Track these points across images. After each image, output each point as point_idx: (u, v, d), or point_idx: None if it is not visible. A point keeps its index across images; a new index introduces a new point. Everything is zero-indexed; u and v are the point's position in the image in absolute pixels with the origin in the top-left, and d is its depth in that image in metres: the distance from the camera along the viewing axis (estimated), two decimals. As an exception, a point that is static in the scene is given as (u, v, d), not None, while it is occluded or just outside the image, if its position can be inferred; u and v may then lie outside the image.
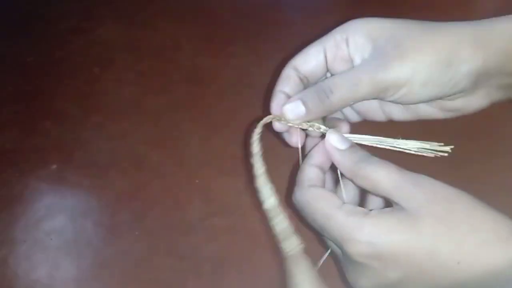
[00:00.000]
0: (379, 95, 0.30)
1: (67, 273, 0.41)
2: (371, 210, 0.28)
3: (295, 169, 0.34)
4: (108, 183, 0.47)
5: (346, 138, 0.31)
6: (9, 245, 0.43)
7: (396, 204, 0.27)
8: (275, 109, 0.34)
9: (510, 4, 0.55)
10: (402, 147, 0.31)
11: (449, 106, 0.33)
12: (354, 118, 0.37)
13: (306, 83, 0.34)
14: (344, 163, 0.30)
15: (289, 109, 0.32)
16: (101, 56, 0.59)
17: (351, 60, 0.32)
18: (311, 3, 0.64)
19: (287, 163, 0.43)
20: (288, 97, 0.33)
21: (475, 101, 0.33)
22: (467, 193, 0.27)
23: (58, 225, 0.44)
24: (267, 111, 0.35)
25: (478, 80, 0.30)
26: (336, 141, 0.31)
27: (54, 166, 0.49)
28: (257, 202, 0.44)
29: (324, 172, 0.32)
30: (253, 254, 0.41)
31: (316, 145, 0.33)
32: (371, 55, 0.31)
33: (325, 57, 0.33)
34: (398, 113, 0.35)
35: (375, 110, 0.35)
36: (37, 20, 0.65)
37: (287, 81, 0.33)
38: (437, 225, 0.25)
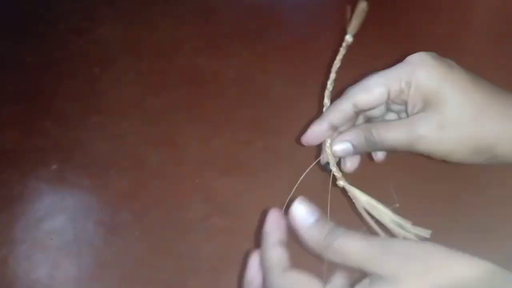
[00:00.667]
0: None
1: (67, 272, 0.42)
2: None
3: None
4: (108, 183, 0.47)
5: (313, 210, 0.29)
6: (9, 245, 0.43)
7: (371, 274, 0.26)
8: (311, 134, 0.34)
9: (508, 5, 0.55)
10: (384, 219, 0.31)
11: None
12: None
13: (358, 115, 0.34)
14: (312, 237, 0.28)
15: (339, 148, 0.33)
16: (102, 56, 0.59)
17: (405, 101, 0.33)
18: (311, 3, 0.64)
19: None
20: (333, 127, 0.34)
21: None
22: (429, 243, 0.26)
23: (58, 225, 0.44)
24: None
25: None
26: (303, 215, 0.28)
27: (54, 166, 0.49)
28: (257, 202, 0.44)
29: (287, 249, 0.30)
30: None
31: (267, 222, 0.31)
32: (417, 111, 0.32)
33: (388, 97, 0.32)
34: None
35: None
36: (37, 20, 0.65)
37: (341, 114, 0.33)
38: (420, 283, 0.24)
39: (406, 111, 0.33)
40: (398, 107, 0.34)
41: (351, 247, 0.26)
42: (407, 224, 0.30)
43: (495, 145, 0.31)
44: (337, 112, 0.33)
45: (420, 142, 0.31)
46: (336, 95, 0.34)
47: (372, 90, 0.32)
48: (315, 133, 0.34)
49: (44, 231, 0.44)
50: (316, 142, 0.34)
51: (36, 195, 0.47)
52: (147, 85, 0.55)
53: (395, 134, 0.32)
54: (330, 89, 0.35)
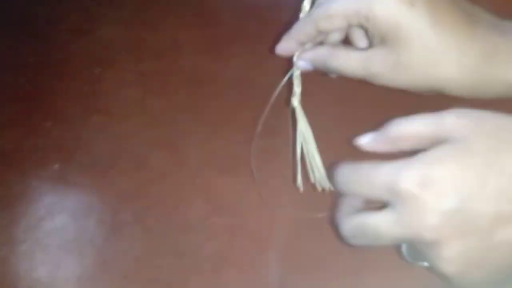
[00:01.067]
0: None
1: (68, 272, 0.42)
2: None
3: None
4: (109, 183, 0.47)
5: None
6: (10, 244, 0.43)
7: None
8: (281, 49, 0.38)
9: (510, 4, 0.55)
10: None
11: None
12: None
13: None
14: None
15: (300, 65, 0.38)
16: (102, 56, 0.59)
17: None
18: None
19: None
20: (300, 44, 0.37)
21: None
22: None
23: (59, 225, 0.44)
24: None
25: None
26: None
27: (55, 166, 0.49)
28: (257, 202, 0.44)
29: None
30: (253, 254, 0.41)
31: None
32: (382, 46, 0.32)
33: (348, 26, 0.34)
34: None
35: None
36: (37, 21, 0.65)
37: (305, 35, 0.36)
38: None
39: (367, 35, 0.34)
40: None
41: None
42: (321, 173, 0.35)
43: (445, 88, 0.32)
44: (301, 32, 0.36)
45: (375, 78, 0.33)
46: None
47: (332, 20, 0.33)
48: (285, 48, 0.38)
49: (45, 231, 0.44)
50: (286, 55, 0.38)
51: (36, 195, 0.47)
52: (147, 85, 0.56)
53: (351, 66, 0.34)
54: None
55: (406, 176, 0.26)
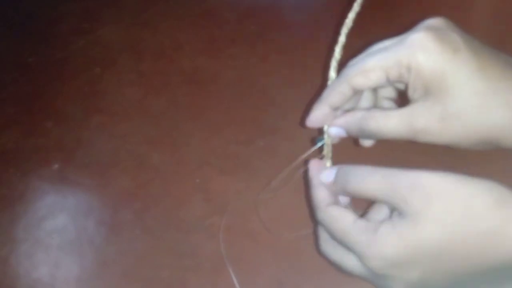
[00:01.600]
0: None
1: (68, 272, 0.42)
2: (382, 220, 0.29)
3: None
4: (109, 183, 0.47)
5: (331, 169, 0.33)
6: (10, 244, 0.44)
7: (396, 208, 0.28)
8: (313, 118, 0.34)
9: (508, 5, 0.55)
10: None
11: None
12: None
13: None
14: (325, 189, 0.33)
15: (333, 131, 0.34)
16: (102, 56, 0.59)
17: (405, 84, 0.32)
18: (312, 5, 0.64)
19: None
20: (334, 108, 0.34)
21: None
22: (452, 174, 0.28)
23: (60, 224, 0.44)
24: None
25: None
26: (325, 177, 0.33)
27: (56, 166, 0.49)
28: (257, 202, 0.44)
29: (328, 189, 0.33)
30: (253, 254, 0.41)
31: (310, 169, 0.35)
32: (418, 99, 0.30)
33: (387, 81, 0.31)
34: None
35: None
36: (38, 21, 0.65)
37: (339, 96, 0.33)
38: (439, 227, 0.26)
39: (406, 92, 0.31)
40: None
41: (370, 186, 0.29)
42: None
43: (500, 138, 0.30)
44: (336, 94, 0.33)
45: (420, 134, 0.30)
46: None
47: (369, 74, 0.31)
48: (317, 117, 0.34)
49: (46, 230, 0.44)
50: (319, 124, 0.35)
51: (37, 195, 0.47)
52: (148, 85, 0.56)
53: (392, 125, 0.31)
54: (338, 58, 0.34)
55: (369, 261, 0.28)
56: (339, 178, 0.32)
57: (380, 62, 0.30)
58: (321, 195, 0.32)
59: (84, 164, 0.49)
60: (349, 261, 0.31)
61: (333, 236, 0.31)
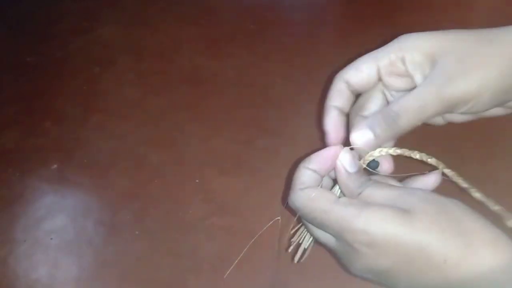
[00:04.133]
0: (446, 111, 0.31)
1: (67, 272, 0.42)
2: None
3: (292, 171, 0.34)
4: (109, 183, 0.47)
5: (356, 162, 0.31)
6: (9, 244, 0.43)
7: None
8: (329, 125, 0.33)
9: (508, 4, 0.55)
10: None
11: None
12: None
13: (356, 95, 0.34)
14: (348, 184, 0.31)
15: (357, 137, 0.31)
16: (102, 56, 0.59)
17: (411, 76, 0.32)
18: (311, 3, 0.64)
19: (287, 164, 0.43)
20: (341, 111, 0.33)
21: None
22: (459, 201, 0.28)
23: (59, 225, 0.44)
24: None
25: None
26: (347, 163, 0.31)
27: (55, 166, 0.49)
28: (257, 201, 0.44)
29: (320, 175, 0.32)
30: (253, 254, 0.41)
31: (317, 150, 0.33)
32: (433, 73, 0.30)
33: (378, 73, 0.32)
34: (460, 118, 0.34)
35: (435, 117, 0.34)
36: (37, 20, 0.65)
37: (339, 95, 0.33)
38: (429, 223, 0.27)
39: (413, 79, 0.32)
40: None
41: (377, 195, 0.29)
42: None
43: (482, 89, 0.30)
44: (335, 94, 0.33)
45: (453, 94, 0.29)
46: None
47: (360, 67, 0.32)
48: (331, 122, 0.33)
49: (44, 231, 0.44)
50: (337, 129, 0.33)
51: (36, 195, 0.47)
52: (147, 85, 0.55)
53: (420, 100, 0.29)
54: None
55: (351, 233, 0.28)
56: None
57: (370, 55, 0.32)
58: (302, 177, 0.31)
59: (83, 164, 0.49)
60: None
61: (312, 219, 0.30)
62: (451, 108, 0.30)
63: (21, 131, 0.52)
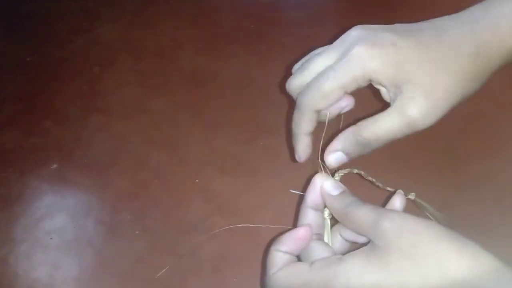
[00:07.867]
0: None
1: (67, 272, 0.42)
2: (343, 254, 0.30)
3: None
4: (109, 183, 0.47)
5: (339, 184, 0.33)
6: (9, 244, 0.43)
7: (372, 241, 0.29)
8: (300, 152, 0.36)
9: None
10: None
11: None
12: None
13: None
14: (334, 206, 0.32)
15: (333, 160, 0.34)
16: (102, 56, 0.59)
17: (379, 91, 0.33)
18: (311, 3, 0.64)
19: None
20: (310, 136, 0.35)
21: None
22: (436, 224, 0.28)
23: (58, 225, 0.44)
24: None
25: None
26: (330, 188, 0.33)
27: (54, 166, 0.49)
28: (257, 202, 0.44)
29: (292, 255, 0.33)
30: (253, 254, 0.41)
31: (287, 231, 0.34)
32: (399, 99, 0.31)
33: (344, 93, 0.33)
34: None
35: None
36: (37, 20, 0.65)
37: (309, 123, 0.35)
38: (404, 260, 0.27)
39: (382, 97, 0.33)
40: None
41: (362, 217, 0.30)
42: None
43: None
44: (306, 123, 0.34)
45: (417, 118, 0.31)
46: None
47: (329, 97, 0.33)
48: (303, 149, 0.36)
49: (44, 231, 0.44)
50: (308, 155, 0.36)
51: (36, 195, 0.47)
52: (147, 85, 0.55)
53: (388, 125, 0.32)
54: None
55: None
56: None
57: (337, 82, 0.32)
58: (275, 259, 0.32)
59: (83, 164, 0.48)
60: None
61: None
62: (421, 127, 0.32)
63: (21, 130, 0.52)
